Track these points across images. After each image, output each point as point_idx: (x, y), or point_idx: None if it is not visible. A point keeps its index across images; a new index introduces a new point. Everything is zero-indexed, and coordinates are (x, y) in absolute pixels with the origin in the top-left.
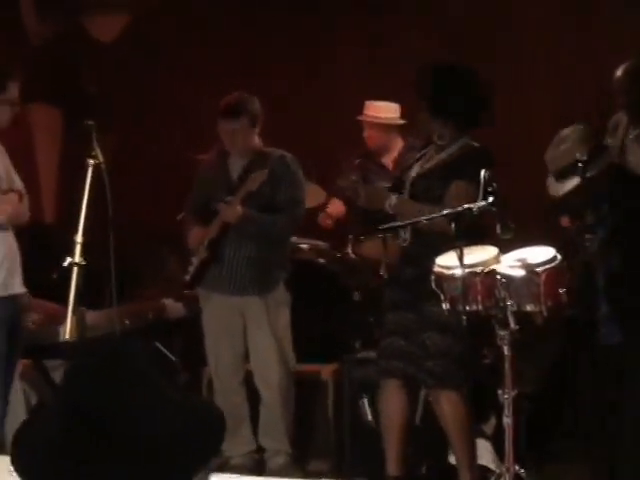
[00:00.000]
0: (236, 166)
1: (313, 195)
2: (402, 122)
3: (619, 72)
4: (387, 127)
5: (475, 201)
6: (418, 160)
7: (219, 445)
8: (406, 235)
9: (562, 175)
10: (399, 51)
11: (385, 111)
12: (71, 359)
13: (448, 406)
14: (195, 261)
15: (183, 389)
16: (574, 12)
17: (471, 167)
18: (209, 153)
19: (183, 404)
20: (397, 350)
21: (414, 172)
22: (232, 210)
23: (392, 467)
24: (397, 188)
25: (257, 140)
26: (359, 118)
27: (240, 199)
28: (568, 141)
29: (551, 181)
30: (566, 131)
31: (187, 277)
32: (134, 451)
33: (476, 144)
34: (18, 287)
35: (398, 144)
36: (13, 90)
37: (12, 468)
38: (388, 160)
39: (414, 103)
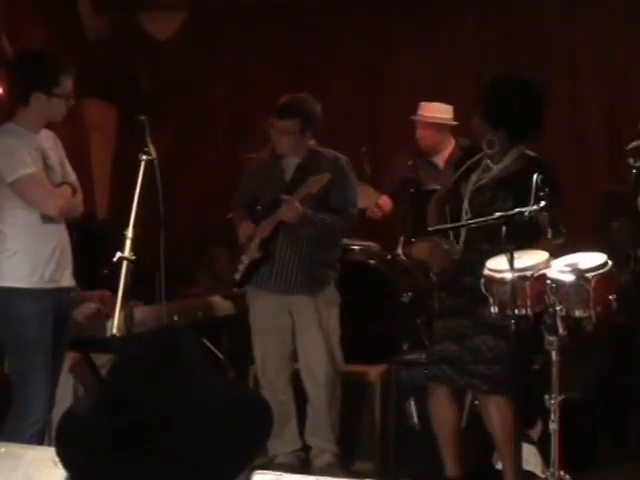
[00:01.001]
0: (290, 166)
1: (365, 196)
2: (455, 123)
3: None
4: (440, 127)
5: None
6: (473, 170)
7: (266, 439)
8: (459, 245)
9: None
10: (453, 55)
11: (439, 112)
12: (118, 352)
13: (496, 411)
14: (246, 260)
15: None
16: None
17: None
18: (262, 151)
19: (230, 399)
20: (448, 355)
21: (471, 184)
22: (293, 209)
23: (451, 468)
24: (454, 200)
25: (311, 141)
26: (413, 118)
27: (298, 199)
28: None
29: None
30: None
31: (237, 276)
32: (178, 446)
33: (532, 154)
34: (67, 280)
35: (450, 144)
36: (67, 84)
37: (57, 459)
38: (440, 160)
39: (467, 105)
